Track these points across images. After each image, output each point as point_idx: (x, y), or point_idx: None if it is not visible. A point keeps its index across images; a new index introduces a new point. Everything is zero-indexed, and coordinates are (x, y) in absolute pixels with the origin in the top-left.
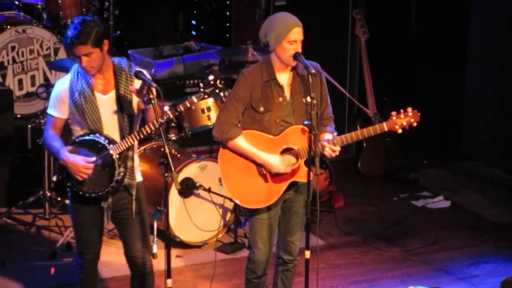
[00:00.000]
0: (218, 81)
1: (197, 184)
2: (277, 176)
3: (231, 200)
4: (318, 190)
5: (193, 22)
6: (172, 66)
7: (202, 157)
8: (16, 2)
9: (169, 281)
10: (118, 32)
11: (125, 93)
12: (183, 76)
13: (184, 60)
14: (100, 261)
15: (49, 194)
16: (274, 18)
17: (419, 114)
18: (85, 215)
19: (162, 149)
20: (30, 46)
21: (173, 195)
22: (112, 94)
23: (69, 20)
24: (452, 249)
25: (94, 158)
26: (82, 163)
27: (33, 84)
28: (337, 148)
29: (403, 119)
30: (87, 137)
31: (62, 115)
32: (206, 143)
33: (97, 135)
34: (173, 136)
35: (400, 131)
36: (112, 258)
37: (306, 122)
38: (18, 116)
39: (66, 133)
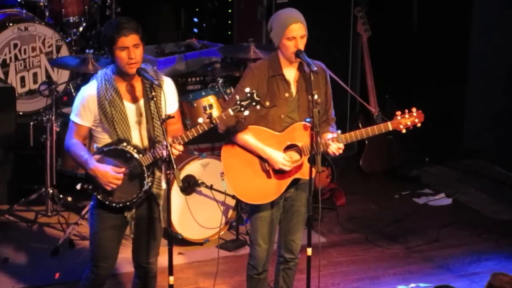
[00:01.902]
0: (255, 94)
1: (199, 182)
2: (280, 173)
3: (233, 197)
4: (320, 187)
5: (195, 19)
6: (174, 64)
7: (204, 155)
8: (19, 0)
9: (171, 278)
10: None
11: (156, 102)
12: (185, 73)
13: (186, 57)
14: None
15: (51, 191)
16: (276, 14)
17: (423, 114)
18: (107, 223)
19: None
20: (32, 43)
21: (175, 193)
22: (141, 103)
23: (71, 18)
24: (453, 246)
25: (123, 169)
26: (112, 173)
27: (35, 82)
28: (341, 146)
29: (407, 119)
30: (114, 147)
31: (87, 123)
32: (208, 141)
33: (125, 144)
34: None
35: (404, 130)
36: None
37: (308, 120)
38: (20, 113)
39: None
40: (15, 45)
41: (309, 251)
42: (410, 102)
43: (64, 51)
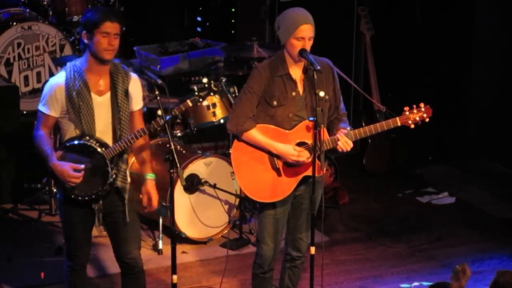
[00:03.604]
0: (212, 84)
1: (203, 181)
2: (290, 170)
3: (236, 196)
4: (323, 186)
5: (199, 18)
6: (177, 63)
7: (207, 154)
8: None
9: (174, 277)
10: (123, 28)
11: (122, 95)
12: (188, 72)
13: (190, 56)
14: (103, 257)
15: (55, 190)
16: (286, 12)
17: (431, 109)
18: (76, 217)
19: (168, 145)
20: (36, 42)
21: (179, 192)
22: (108, 96)
23: (74, 17)
24: (456, 245)
25: (83, 166)
26: (70, 172)
27: (39, 81)
28: (350, 143)
29: (416, 114)
30: (77, 142)
31: (55, 113)
32: (212, 140)
33: (88, 138)
34: (178, 133)
35: (413, 126)
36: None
37: (311, 118)
38: (24, 112)
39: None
40: (19, 44)
41: (313, 249)
42: (413, 101)
43: (68, 50)
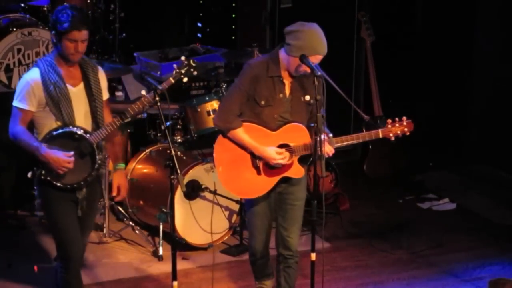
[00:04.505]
0: (191, 61)
1: (203, 187)
2: (270, 170)
3: (236, 202)
4: (324, 192)
5: (199, 24)
6: None
7: (208, 159)
8: (22, 5)
9: (175, 283)
10: (124, 34)
11: (95, 84)
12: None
13: None
14: (103, 263)
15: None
16: (311, 30)
17: (412, 124)
18: (65, 209)
19: (168, 151)
20: (36, 48)
21: (179, 198)
22: (81, 86)
23: None
24: (457, 251)
25: (72, 152)
26: (64, 158)
27: None
28: (332, 149)
29: (397, 128)
30: (62, 130)
31: (32, 107)
32: (212, 146)
33: (71, 127)
34: (179, 139)
35: (393, 138)
36: (116, 260)
37: (312, 125)
38: None
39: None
40: (19, 50)
41: (313, 256)
42: (413, 107)
43: None
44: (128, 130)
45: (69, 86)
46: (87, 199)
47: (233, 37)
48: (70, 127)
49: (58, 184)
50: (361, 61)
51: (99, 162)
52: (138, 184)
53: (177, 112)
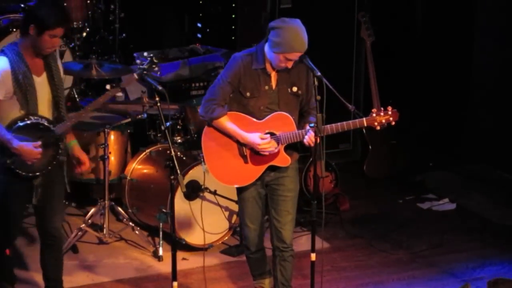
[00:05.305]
0: (153, 58)
1: (203, 187)
2: (257, 158)
3: (236, 202)
4: (324, 192)
5: (199, 24)
6: (177, 69)
7: None
8: (22, 5)
9: (175, 284)
10: (124, 35)
11: (56, 73)
12: (188, 78)
13: (190, 62)
14: (103, 263)
15: None
16: (290, 27)
17: (398, 113)
18: (17, 194)
19: (168, 151)
20: None
21: (179, 198)
22: (44, 76)
23: (74, 23)
24: (457, 251)
25: (39, 142)
26: (35, 150)
27: None
28: (313, 138)
29: (382, 117)
30: (29, 122)
31: (1, 96)
32: None
33: (36, 117)
34: (179, 139)
35: (378, 127)
36: (116, 260)
37: (312, 125)
38: None
39: None
40: None
41: (313, 256)
42: (413, 107)
43: (68, 57)
44: (128, 131)
45: (34, 76)
46: (42, 186)
47: (233, 37)
48: (35, 117)
49: (22, 173)
50: (361, 61)
51: (60, 151)
52: (138, 185)
53: (177, 112)
